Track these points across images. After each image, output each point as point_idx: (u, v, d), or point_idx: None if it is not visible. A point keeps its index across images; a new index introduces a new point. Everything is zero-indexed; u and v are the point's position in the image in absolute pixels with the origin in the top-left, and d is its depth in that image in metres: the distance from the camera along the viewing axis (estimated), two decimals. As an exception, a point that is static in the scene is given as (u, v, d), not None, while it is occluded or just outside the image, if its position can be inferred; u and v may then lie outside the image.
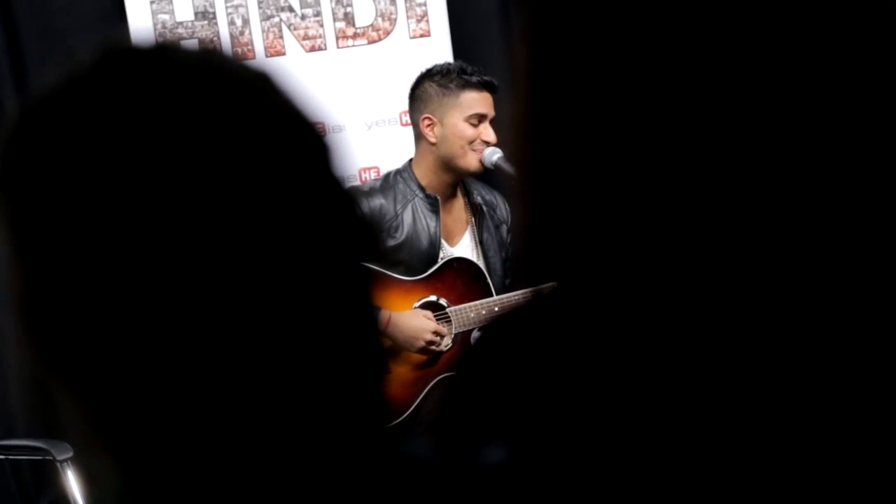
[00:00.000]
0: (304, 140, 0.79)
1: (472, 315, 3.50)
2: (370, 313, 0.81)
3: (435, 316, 3.46)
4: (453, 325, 3.49)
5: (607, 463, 0.80)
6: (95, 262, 0.73)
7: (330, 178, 0.80)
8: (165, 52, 0.79)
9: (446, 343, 3.46)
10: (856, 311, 0.80)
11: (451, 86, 3.49)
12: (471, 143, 3.46)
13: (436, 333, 3.41)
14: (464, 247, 3.61)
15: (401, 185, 3.53)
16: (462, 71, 3.51)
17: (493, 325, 0.95)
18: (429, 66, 3.62)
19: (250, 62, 0.81)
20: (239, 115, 0.76)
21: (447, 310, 3.50)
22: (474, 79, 3.48)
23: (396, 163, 3.67)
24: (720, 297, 0.81)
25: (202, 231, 0.73)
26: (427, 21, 4.29)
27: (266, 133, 0.76)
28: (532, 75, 0.88)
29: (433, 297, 3.51)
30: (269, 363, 0.75)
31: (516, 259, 3.18)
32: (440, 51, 4.21)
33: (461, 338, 3.48)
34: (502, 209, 3.65)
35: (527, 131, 0.89)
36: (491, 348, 0.91)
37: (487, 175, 3.57)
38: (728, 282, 0.81)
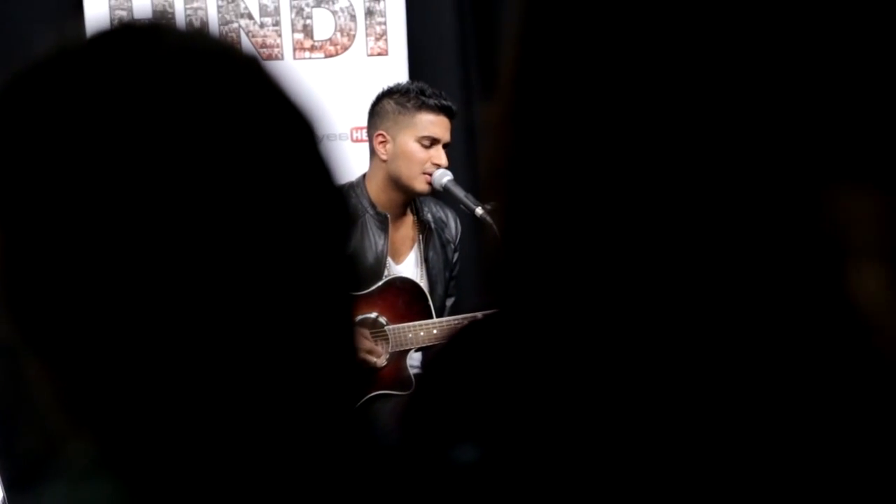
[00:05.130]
0: (295, 121, 0.80)
1: (410, 335, 3.50)
2: (350, 315, 0.81)
3: (372, 333, 3.46)
4: (390, 344, 3.49)
5: (580, 465, 0.81)
6: (73, 236, 0.73)
7: (318, 159, 0.80)
8: (158, 31, 0.79)
9: (381, 361, 3.46)
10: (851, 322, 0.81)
11: (409, 105, 3.50)
12: (421, 164, 3.46)
13: (368, 352, 3.40)
14: (409, 264, 3.62)
15: (352, 200, 3.53)
16: (421, 92, 3.51)
17: (461, 333, 0.95)
18: (385, 85, 3.62)
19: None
20: (232, 94, 0.76)
21: (385, 328, 3.50)
22: (431, 101, 3.48)
23: (345, 178, 3.65)
24: (693, 300, 0.80)
25: (182, 209, 0.73)
26: (385, 40, 4.30)
27: (259, 114, 0.76)
28: (518, 80, 0.88)
29: (373, 315, 3.51)
30: (244, 344, 0.75)
31: (483, 272, 3.17)
32: (396, 70, 4.22)
33: (397, 356, 3.48)
34: (452, 228, 3.66)
35: (507, 137, 0.88)
36: (458, 354, 0.91)
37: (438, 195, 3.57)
38: (707, 285, 0.80)
